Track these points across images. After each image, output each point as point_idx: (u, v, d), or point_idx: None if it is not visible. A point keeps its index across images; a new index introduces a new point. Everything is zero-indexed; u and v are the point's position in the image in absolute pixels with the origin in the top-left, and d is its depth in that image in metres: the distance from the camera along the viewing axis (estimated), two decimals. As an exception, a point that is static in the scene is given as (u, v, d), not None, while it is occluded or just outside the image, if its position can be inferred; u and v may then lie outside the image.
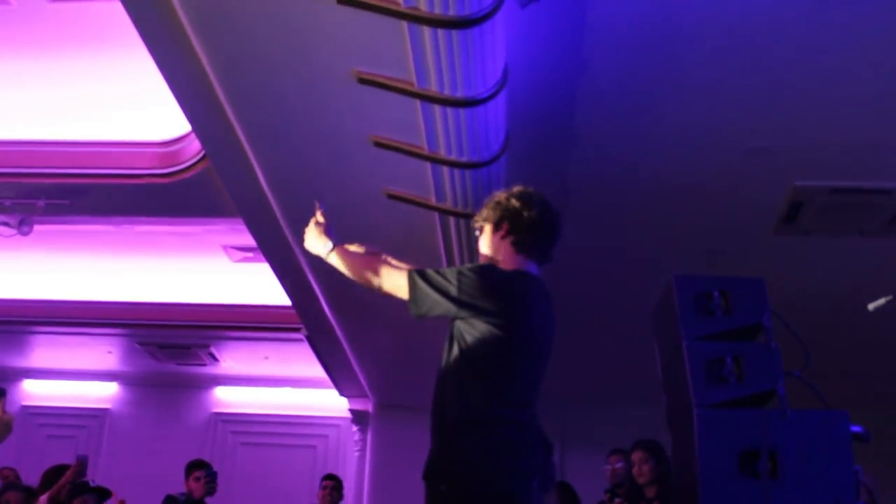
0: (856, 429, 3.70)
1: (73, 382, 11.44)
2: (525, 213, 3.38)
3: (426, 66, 3.97)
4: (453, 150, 4.59)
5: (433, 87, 4.11)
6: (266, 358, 10.39)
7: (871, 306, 3.57)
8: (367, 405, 10.60)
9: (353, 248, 3.62)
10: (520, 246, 3.38)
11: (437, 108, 4.26)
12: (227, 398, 11.48)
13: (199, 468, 7.32)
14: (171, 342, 10.03)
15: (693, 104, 4.85)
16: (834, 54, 4.41)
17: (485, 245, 3.50)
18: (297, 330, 8.84)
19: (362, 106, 4.48)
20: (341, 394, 10.52)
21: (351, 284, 6.69)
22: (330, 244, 3.61)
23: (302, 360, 9.88)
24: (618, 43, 4.41)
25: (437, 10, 3.55)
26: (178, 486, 7.41)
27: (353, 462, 10.80)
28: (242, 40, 4.16)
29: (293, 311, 8.18)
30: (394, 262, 3.51)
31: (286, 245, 6.31)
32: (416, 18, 3.62)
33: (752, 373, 3.71)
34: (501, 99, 4.30)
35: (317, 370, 9.82)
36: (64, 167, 6.38)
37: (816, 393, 3.70)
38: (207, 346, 10.12)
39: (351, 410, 10.73)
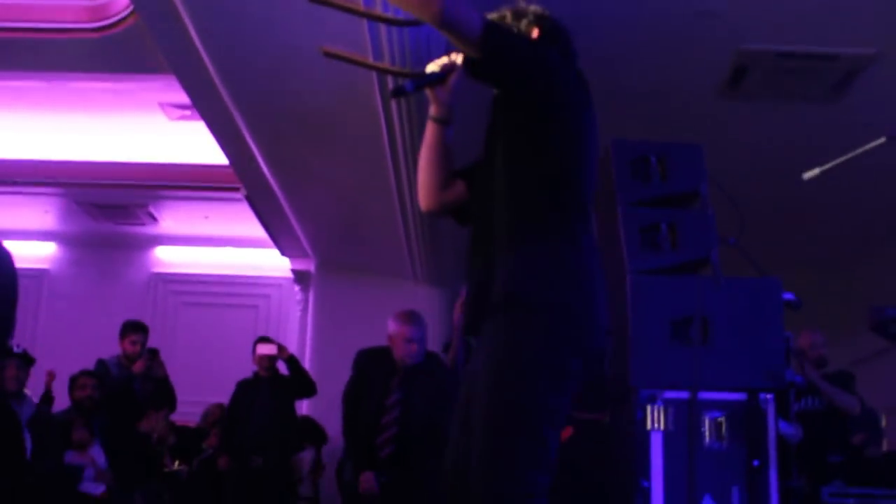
0: (788, 296, 3.71)
1: (9, 242, 11.01)
2: (558, 28, 2.86)
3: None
4: (390, 7, 4.42)
5: (365, -63, 3.94)
6: (206, 217, 10.25)
7: (805, 176, 3.50)
8: (308, 265, 10.53)
9: None
10: None
11: (370, -40, 4.09)
12: (168, 258, 11.35)
13: (135, 331, 7.14)
14: (109, 202, 9.83)
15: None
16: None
17: None
18: (236, 189, 8.70)
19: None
20: (283, 253, 10.45)
21: (290, 142, 6.66)
22: None
23: (243, 220, 9.76)
24: None
25: None
26: (117, 346, 7.33)
27: (296, 321, 10.81)
28: None
29: (233, 171, 8.04)
30: None
31: (221, 102, 6.16)
32: None
33: (687, 240, 3.70)
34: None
35: (258, 230, 9.71)
36: (-14, 21, 6.11)
37: (750, 260, 3.69)
38: (146, 206, 9.95)
39: (292, 270, 10.68)
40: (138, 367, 6.92)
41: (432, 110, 2.88)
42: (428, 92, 2.88)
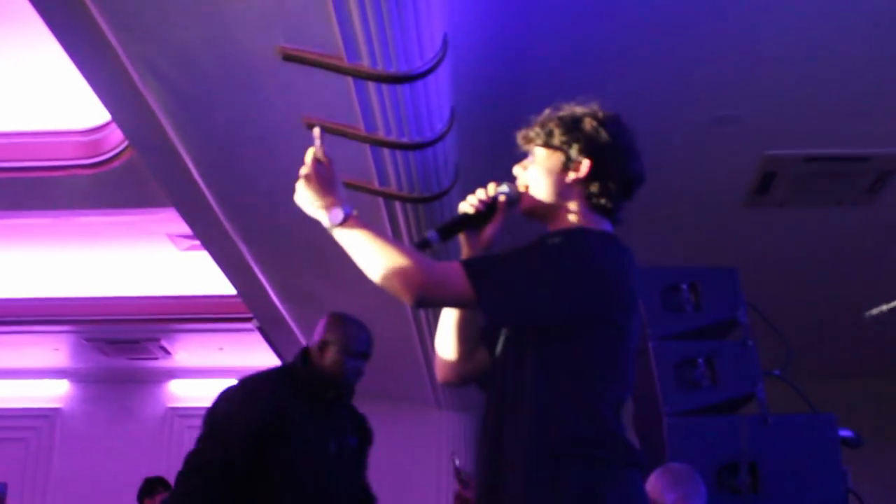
0: (845, 433, 3.35)
1: (21, 382, 10.92)
2: (619, 161, 2.33)
3: (355, 40, 3.57)
4: (393, 131, 4.19)
5: (365, 63, 3.70)
6: (221, 349, 10.00)
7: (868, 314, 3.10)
8: (326, 394, 10.21)
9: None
10: (598, 205, 2.33)
11: (370, 86, 3.86)
12: (183, 392, 11.00)
13: (167, 488, 6.73)
14: (120, 337, 9.56)
15: (656, 73, 4.52)
16: (805, 16, 4.08)
17: (541, 181, 2.37)
18: (248, 320, 8.46)
19: (290, 85, 4.07)
20: (300, 384, 10.14)
21: (300, 273, 6.42)
22: (341, 211, 2.28)
23: (258, 350, 9.48)
24: (571, 8, 4.04)
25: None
26: (135, 485, 7.07)
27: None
28: (157, 23, 3.71)
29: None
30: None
31: (225, 235, 5.94)
32: (338, -14, 3.22)
33: (728, 375, 3.35)
34: (443, 72, 3.91)
35: (275, 359, 9.45)
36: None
37: (800, 394, 3.34)
38: (158, 340, 9.68)
39: (311, 400, 10.34)
40: None
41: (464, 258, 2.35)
42: (461, 238, 2.41)
